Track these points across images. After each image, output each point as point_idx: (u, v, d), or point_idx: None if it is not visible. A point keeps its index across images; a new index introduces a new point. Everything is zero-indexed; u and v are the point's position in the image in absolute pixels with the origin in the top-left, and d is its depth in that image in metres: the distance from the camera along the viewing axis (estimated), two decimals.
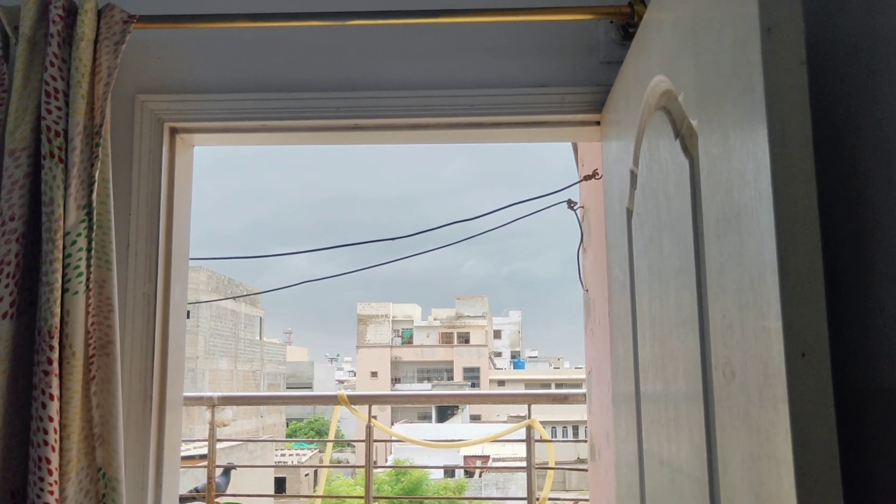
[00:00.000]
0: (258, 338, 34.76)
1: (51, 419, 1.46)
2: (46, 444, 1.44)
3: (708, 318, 1.00)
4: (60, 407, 1.48)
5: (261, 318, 35.31)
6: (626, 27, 1.75)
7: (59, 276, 1.51)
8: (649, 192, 1.32)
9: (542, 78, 1.81)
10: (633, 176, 1.45)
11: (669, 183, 1.17)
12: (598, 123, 1.82)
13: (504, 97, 1.79)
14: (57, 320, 1.50)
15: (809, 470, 0.73)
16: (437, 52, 1.83)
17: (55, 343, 1.48)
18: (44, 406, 1.46)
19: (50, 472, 1.43)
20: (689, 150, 1.08)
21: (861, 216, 0.97)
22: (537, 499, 3.20)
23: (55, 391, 1.47)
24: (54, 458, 1.45)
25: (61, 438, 1.48)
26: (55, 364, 1.48)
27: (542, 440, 3.33)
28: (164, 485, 1.74)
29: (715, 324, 0.97)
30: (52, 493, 1.43)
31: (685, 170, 1.08)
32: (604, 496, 2.43)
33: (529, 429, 3.27)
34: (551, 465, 3.54)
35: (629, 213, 1.50)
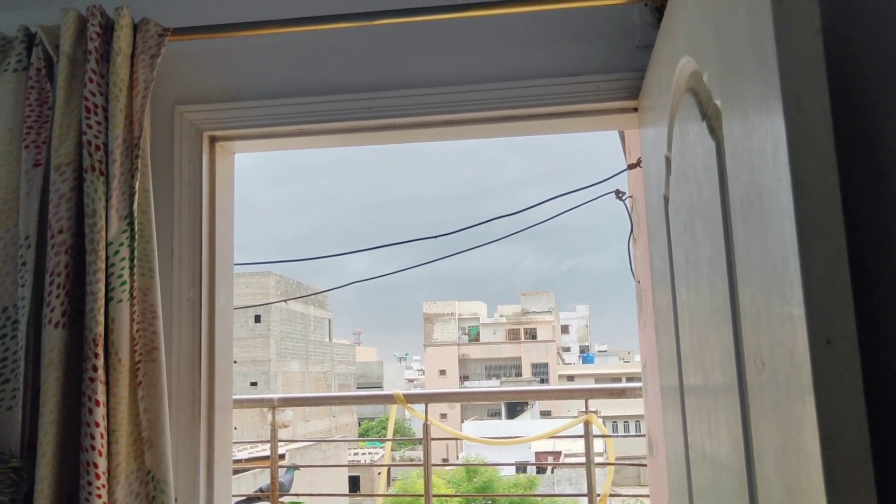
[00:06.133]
0: (328, 339, 35.35)
1: (97, 424, 1.50)
2: (94, 448, 1.49)
3: (738, 305, 0.95)
4: (108, 412, 1.52)
5: (329, 319, 35.90)
6: (661, 9, 1.68)
7: (102, 285, 1.56)
8: (682, 178, 1.27)
9: (575, 66, 1.77)
10: (668, 162, 1.40)
11: (699, 167, 1.12)
12: (636, 110, 1.76)
13: (537, 88, 1.76)
14: (101, 328, 1.54)
15: (839, 465, 0.68)
16: (468, 47, 1.81)
17: (100, 350, 1.53)
18: (90, 412, 1.50)
19: (98, 476, 1.47)
20: (716, 131, 1.03)
21: (889, 195, 0.90)
22: (598, 494, 3.14)
23: (101, 397, 1.51)
24: (101, 462, 1.49)
25: (110, 443, 1.52)
26: (100, 371, 1.52)
27: (600, 435, 3.27)
28: (215, 485, 1.77)
29: (745, 311, 0.92)
30: (100, 496, 1.47)
31: (712, 152, 1.03)
32: (662, 492, 2.36)
33: (587, 424, 3.21)
34: (610, 460, 3.47)
35: (666, 200, 1.44)
